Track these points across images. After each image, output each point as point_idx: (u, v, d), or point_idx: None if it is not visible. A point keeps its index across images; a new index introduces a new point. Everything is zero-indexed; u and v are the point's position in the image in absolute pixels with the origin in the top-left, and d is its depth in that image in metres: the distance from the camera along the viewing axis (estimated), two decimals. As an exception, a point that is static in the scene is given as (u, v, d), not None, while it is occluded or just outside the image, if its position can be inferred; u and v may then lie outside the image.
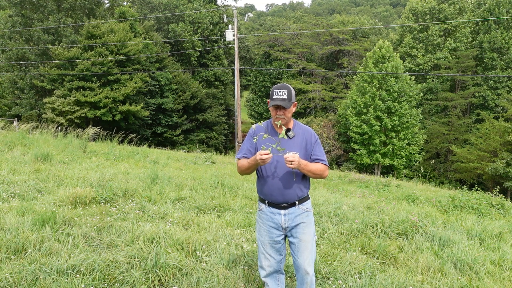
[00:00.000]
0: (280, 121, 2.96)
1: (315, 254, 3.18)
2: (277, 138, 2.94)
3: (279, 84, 2.97)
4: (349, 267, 3.91)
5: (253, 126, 3.08)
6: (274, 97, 2.91)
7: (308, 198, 3.14)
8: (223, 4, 47.48)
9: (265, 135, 2.93)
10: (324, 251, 4.33)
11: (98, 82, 28.20)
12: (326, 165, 3.04)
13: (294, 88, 36.77)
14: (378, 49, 27.54)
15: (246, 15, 33.16)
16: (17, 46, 29.37)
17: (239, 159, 3.09)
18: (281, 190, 2.99)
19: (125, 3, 39.65)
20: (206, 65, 40.88)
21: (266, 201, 3.07)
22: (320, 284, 3.65)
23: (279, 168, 2.96)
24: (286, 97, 2.89)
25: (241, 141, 24.38)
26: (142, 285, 3.25)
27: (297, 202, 3.03)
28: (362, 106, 27.24)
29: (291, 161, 2.72)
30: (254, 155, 2.94)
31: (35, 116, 30.03)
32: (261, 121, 3.14)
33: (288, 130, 2.97)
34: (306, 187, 3.09)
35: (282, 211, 3.02)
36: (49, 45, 28.33)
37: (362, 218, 5.51)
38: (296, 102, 3.02)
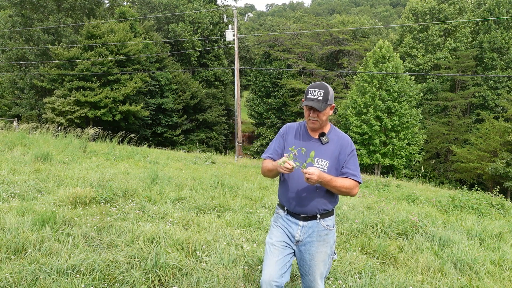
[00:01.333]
0: (312, 124, 2.66)
1: (327, 272, 2.86)
2: (307, 144, 2.67)
3: (316, 82, 2.68)
4: (349, 267, 3.91)
5: (286, 124, 2.88)
6: (308, 96, 2.63)
7: (332, 214, 2.79)
8: (223, 4, 47.49)
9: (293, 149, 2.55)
10: (324, 251, 4.32)
11: (98, 82, 28.20)
12: (357, 181, 2.66)
13: (294, 88, 37.24)
14: (378, 49, 27.54)
15: (246, 15, 33.16)
16: (17, 46, 29.37)
17: (264, 159, 2.84)
18: (301, 199, 2.69)
19: (125, 3, 39.66)
20: (206, 65, 40.88)
21: (285, 208, 2.79)
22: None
23: (302, 174, 2.59)
24: (321, 98, 2.59)
25: (241, 141, 24.39)
26: (142, 285, 3.25)
27: (318, 216, 2.70)
28: (362, 106, 27.23)
29: (308, 178, 2.43)
30: (279, 158, 2.71)
31: (35, 116, 30.03)
32: (299, 120, 2.75)
33: (322, 134, 2.69)
34: (331, 201, 2.73)
35: (300, 222, 2.72)
36: (49, 45, 28.33)
37: (362, 218, 5.51)
38: (334, 105, 2.70)
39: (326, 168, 2.63)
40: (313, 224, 2.70)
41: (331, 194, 2.69)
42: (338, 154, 2.65)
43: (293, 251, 2.77)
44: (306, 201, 2.68)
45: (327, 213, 2.73)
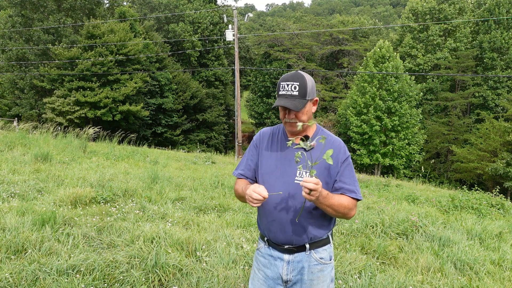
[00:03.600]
0: (291, 127, 2.04)
1: None
2: (286, 152, 2.06)
3: (289, 73, 2.03)
4: (349, 267, 3.90)
5: (261, 130, 2.26)
6: (280, 92, 2.02)
7: (328, 243, 2.13)
8: (223, 4, 47.49)
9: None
10: (324, 251, 4.32)
11: (98, 82, 28.21)
12: (355, 199, 2.04)
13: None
14: (378, 49, 27.55)
15: (246, 15, 33.17)
16: (17, 46, 29.36)
17: (236, 177, 2.23)
18: (284, 224, 2.04)
19: (125, 3, 39.66)
20: (206, 65, 40.89)
21: (266, 239, 2.16)
22: (320, 284, 3.65)
23: (279, 185, 2.04)
24: (296, 93, 1.97)
25: (241, 141, 24.38)
26: (142, 285, 3.25)
27: (307, 246, 2.06)
28: (362, 106, 27.25)
29: (310, 191, 1.79)
30: (253, 174, 2.16)
31: (35, 116, 30.02)
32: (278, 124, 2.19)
33: (305, 138, 2.06)
34: (325, 225, 2.09)
35: (285, 256, 2.09)
36: (49, 45, 28.33)
37: (362, 218, 5.51)
38: (317, 98, 2.09)
39: None
40: (302, 257, 2.07)
41: (324, 215, 2.06)
42: (328, 163, 1.98)
43: None
44: (290, 226, 2.02)
45: (319, 242, 2.09)
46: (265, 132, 2.22)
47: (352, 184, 2.04)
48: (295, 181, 1.99)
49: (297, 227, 2.03)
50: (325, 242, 2.12)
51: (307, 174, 1.98)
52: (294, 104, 1.95)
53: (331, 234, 2.17)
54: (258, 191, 1.87)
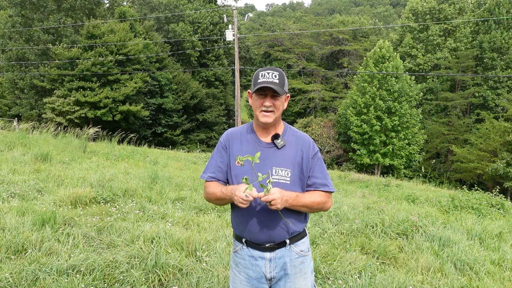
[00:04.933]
0: (266, 116, 2.02)
1: None
2: (258, 151, 2.02)
3: (266, 67, 2.12)
4: (349, 267, 3.90)
5: (227, 131, 2.24)
6: (259, 80, 2.00)
7: (305, 235, 2.20)
8: (223, 4, 47.48)
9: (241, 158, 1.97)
10: (324, 251, 4.32)
11: (98, 82, 28.21)
12: (328, 192, 2.12)
13: (294, 88, 37.17)
14: (379, 49, 27.56)
15: (246, 15, 33.23)
16: (17, 46, 29.36)
17: (206, 180, 2.19)
18: (263, 223, 2.06)
19: (125, 3, 39.66)
20: (206, 65, 40.89)
21: (244, 240, 2.16)
22: (320, 284, 3.65)
23: (260, 189, 2.02)
24: (277, 81, 2.00)
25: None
26: (142, 285, 3.25)
27: (287, 241, 2.10)
28: (362, 106, 27.25)
29: (270, 202, 1.86)
30: (228, 185, 2.13)
31: (35, 116, 30.01)
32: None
33: (275, 136, 2.08)
34: (301, 219, 2.14)
35: (267, 254, 2.10)
36: (49, 45, 28.34)
37: (362, 218, 5.51)
38: (289, 95, 2.15)
39: (289, 179, 2.04)
40: (284, 253, 2.10)
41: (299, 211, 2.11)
42: (300, 160, 2.06)
43: None
44: (271, 225, 2.05)
45: (298, 236, 2.14)
46: (232, 133, 2.20)
47: (324, 178, 2.11)
48: (273, 180, 2.00)
49: (276, 224, 2.05)
50: (303, 235, 2.18)
51: (284, 171, 2.03)
52: (277, 88, 1.98)
53: (306, 227, 2.24)
54: (242, 196, 1.87)
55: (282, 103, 2.06)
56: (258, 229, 2.07)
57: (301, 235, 2.17)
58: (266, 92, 2.02)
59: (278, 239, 2.09)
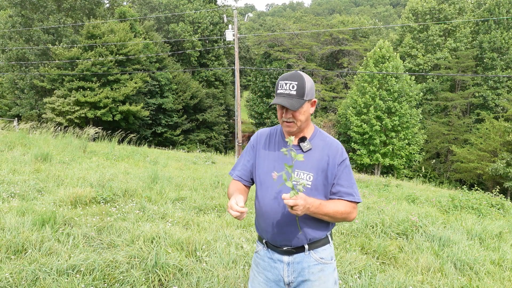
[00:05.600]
0: (288, 127, 2.02)
1: None
2: (283, 154, 1.98)
3: (288, 73, 2.03)
4: (349, 267, 3.90)
5: (258, 131, 2.26)
6: (278, 91, 2.00)
7: (328, 243, 2.11)
8: (223, 4, 47.49)
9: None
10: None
11: (98, 82, 28.22)
12: (354, 202, 2.03)
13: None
14: (378, 49, 27.57)
15: (246, 15, 33.22)
16: (17, 46, 29.37)
17: (233, 178, 2.25)
18: (282, 225, 2.02)
19: (125, 3, 39.67)
20: (206, 65, 40.90)
21: (264, 241, 2.14)
22: (320, 284, 3.64)
23: (276, 186, 2.02)
24: (294, 93, 1.95)
25: (241, 141, 24.38)
26: (142, 285, 3.25)
27: (306, 247, 2.05)
28: (362, 106, 27.27)
29: (292, 207, 1.79)
30: (249, 176, 2.16)
31: (35, 116, 30.02)
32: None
33: (302, 139, 2.05)
34: (323, 226, 2.06)
35: (285, 258, 2.07)
36: (49, 45, 28.35)
37: (362, 218, 5.51)
38: (315, 100, 2.06)
39: (310, 183, 1.99)
40: (302, 258, 2.05)
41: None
42: (326, 165, 2.01)
43: None
44: (288, 227, 2.01)
45: (318, 242, 2.07)
46: (262, 133, 2.21)
47: (350, 187, 2.02)
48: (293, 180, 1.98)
49: (294, 228, 2.01)
50: (324, 242, 2.10)
51: (306, 175, 1.99)
52: (291, 103, 1.94)
53: (330, 235, 2.15)
54: (232, 206, 1.83)
55: (304, 112, 1.99)
56: (275, 231, 2.05)
57: (322, 241, 2.08)
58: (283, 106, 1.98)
59: (295, 244, 2.04)
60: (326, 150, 2.03)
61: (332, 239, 2.16)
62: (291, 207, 1.78)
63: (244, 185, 2.20)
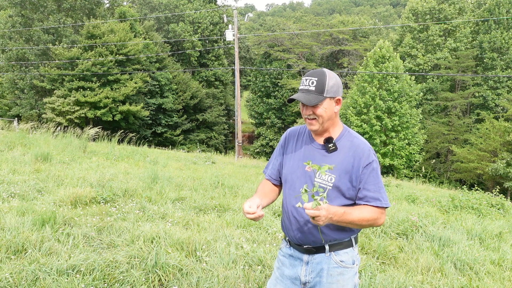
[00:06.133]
0: (310, 124, 1.99)
1: None
2: (309, 153, 2.01)
3: (313, 70, 2.04)
4: (349, 267, 3.90)
5: (289, 129, 2.25)
6: (299, 87, 2.00)
7: (350, 246, 2.05)
8: (223, 4, 47.49)
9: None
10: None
11: (98, 82, 28.22)
12: (381, 207, 1.96)
13: (294, 88, 37.15)
14: (378, 49, 27.55)
15: (246, 15, 33.22)
16: (17, 46, 29.37)
17: (265, 177, 2.27)
18: (302, 224, 2.00)
19: (125, 3, 39.68)
20: (206, 65, 40.90)
21: (287, 238, 2.16)
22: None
23: (299, 185, 2.02)
24: (313, 88, 1.93)
25: (241, 141, 24.36)
26: (142, 285, 3.25)
27: (327, 248, 2.01)
28: (362, 106, 27.26)
29: (314, 218, 1.74)
30: (278, 176, 2.19)
31: (35, 116, 30.03)
32: (299, 120, 2.15)
33: (328, 140, 2.01)
34: (345, 228, 2.00)
35: (305, 256, 2.05)
36: (49, 45, 28.35)
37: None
38: (339, 98, 2.01)
39: (331, 184, 1.95)
40: (322, 259, 2.01)
41: None
42: (350, 167, 1.95)
43: None
44: (307, 226, 1.98)
45: (340, 245, 2.02)
46: (291, 132, 2.21)
47: (377, 191, 1.95)
48: (315, 182, 1.96)
49: (314, 226, 1.97)
50: (347, 245, 2.04)
51: (327, 176, 1.96)
52: (308, 98, 1.92)
53: (355, 238, 2.08)
54: (243, 209, 1.88)
55: (326, 109, 1.94)
56: (295, 228, 2.03)
57: (344, 244, 2.03)
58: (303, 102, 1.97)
59: (314, 242, 2.00)
60: (351, 151, 1.97)
61: (356, 242, 2.09)
62: (313, 217, 1.74)
63: (274, 184, 2.22)
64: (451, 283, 3.81)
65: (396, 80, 26.77)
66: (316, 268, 2.02)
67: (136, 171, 8.11)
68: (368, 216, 1.91)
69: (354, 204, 1.99)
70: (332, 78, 1.96)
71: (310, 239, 2.00)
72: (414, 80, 29.38)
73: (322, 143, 2.03)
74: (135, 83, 29.17)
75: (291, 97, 1.96)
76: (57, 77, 28.06)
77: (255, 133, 42.82)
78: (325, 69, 2.00)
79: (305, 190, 1.78)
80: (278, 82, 38.20)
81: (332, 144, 1.98)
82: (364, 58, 29.66)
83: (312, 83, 1.94)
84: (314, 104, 1.91)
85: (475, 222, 6.05)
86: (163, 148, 25.23)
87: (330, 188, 1.95)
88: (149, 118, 32.69)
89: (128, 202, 5.55)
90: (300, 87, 1.98)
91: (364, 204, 1.95)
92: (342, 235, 2.00)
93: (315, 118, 1.96)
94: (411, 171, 29.10)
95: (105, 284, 3.21)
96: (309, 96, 1.92)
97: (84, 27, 28.96)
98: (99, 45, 28.37)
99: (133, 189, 6.09)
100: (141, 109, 29.57)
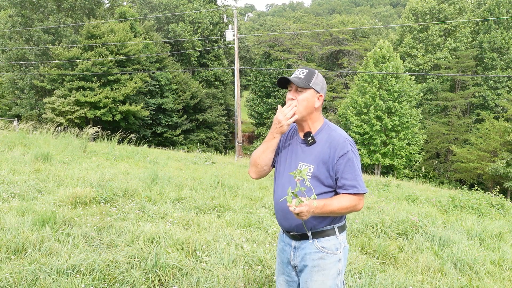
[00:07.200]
0: (288, 106, 2.12)
1: None
2: (291, 146, 2.23)
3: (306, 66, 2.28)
4: (349, 267, 3.90)
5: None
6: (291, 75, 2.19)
7: (332, 234, 2.17)
8: (223, 4, 47.48)
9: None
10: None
11: (98, 82, 28.22)
12: (359, 194, 2.09)
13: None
14: (379, 49, 27.56)
15: (246, 15, 33.20)
16: (17, 46, 29.37)
17: None
18: (285, 212, 2.15)
19: (125, 3, 39.68)
20: (206, 65, 40.89)
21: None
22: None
23: (287, 176, 2.18)
24: (302, 76, 2.11)
25: (241, 141, 24.40)
26: (142, 285, 3.25)
27: (309, 235, 2.15)
28: (362, 106, 27.26)
29: (298, 214, 1.90)
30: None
31: (35, 116, 30.03)
32: None
33: (307, 134, 2.17)
34: (325, 218, 2.14)
35: (293, 242, 2.23)
36: (49, 45, 28.35)
37: (362, 218, 5.50)
38: (322, 94, 2.16)
39: (311, 174, 2.10)
40: (306, 245, 2.17)
41: None
42: (327, 158, 2.08)
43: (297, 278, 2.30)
44: (290, 214, 2.08)
45: (322, 233, 2.15)
46: (292, 124, 2.34)
47: (354, 180, 2.08)
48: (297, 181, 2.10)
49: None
50: (329, 233, 2.16)
51: (307, 167, 2.11)
52: (296, 80, 2.09)
53: (340, 228, 2.21)
54: (283, 112, 2.08)
55: (307, 98, 2.11)
56: (281, 216, 2.21)
57: (326, 232, 2.16)
58: (290, 85, 2.15)
59: (298, 229, 2.16)
60: (328, 143, 2.11)
61: (340, 232, 2.21)
62: (297, 213, 1.89)
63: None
64: (451, 283, 3.81)
65: (396, 80, 26.77)
66: (301, 253, 2.19)
67: (136, 171, 8.11)
68: (347, 204, 2.07)
69: (335, 192, 2.15)
70: (320, 76, 2.17)
71: (293, 226, 2.16)
72: (414, 80, 29.37)
73: (302, 137, 2.20)
74: (135, 83, 29.17)
75: (282, 76, 2.11)
76: (57, 77, 28.05)
77: (255, 133, 42.82)
78: (316, 70, 2.21)
79: (292, 193, 1.92)
80: (278, 82, 38.13)
81: (310, 138, 2.14)
82: (364, 58, 29.66)
83: (303, 73, 2.13)
84: (301, 86, 2.09)
85: (475, 222, 6.05)
86: (163, 148, 25.23)
87: (309, 177, 2.09)
88: (149, 118, 32.69)
89: (128, 202, 5.54)
90: (291, 76, 2.16)
91: (343, 193, 2.10)
92: (321, 223, 2.14)
93: (296, 104, 2.11)
94: (411, 171, 29.09)
95: (105, 284, 3.21)
96: (298, 80, 2.10)
97: (84, 27, 28.96)
98: (99, 45, 28.37)
99: (133, 189, 6.09)
100: (141, 109, 29.57)
